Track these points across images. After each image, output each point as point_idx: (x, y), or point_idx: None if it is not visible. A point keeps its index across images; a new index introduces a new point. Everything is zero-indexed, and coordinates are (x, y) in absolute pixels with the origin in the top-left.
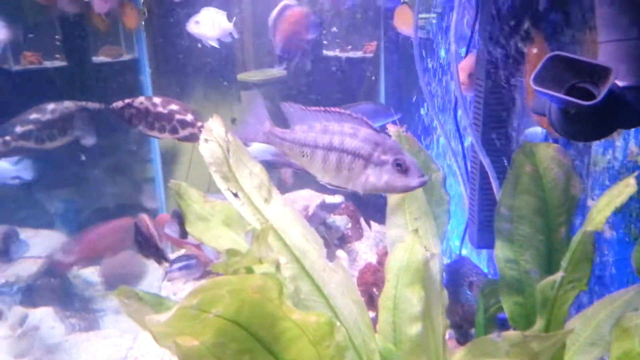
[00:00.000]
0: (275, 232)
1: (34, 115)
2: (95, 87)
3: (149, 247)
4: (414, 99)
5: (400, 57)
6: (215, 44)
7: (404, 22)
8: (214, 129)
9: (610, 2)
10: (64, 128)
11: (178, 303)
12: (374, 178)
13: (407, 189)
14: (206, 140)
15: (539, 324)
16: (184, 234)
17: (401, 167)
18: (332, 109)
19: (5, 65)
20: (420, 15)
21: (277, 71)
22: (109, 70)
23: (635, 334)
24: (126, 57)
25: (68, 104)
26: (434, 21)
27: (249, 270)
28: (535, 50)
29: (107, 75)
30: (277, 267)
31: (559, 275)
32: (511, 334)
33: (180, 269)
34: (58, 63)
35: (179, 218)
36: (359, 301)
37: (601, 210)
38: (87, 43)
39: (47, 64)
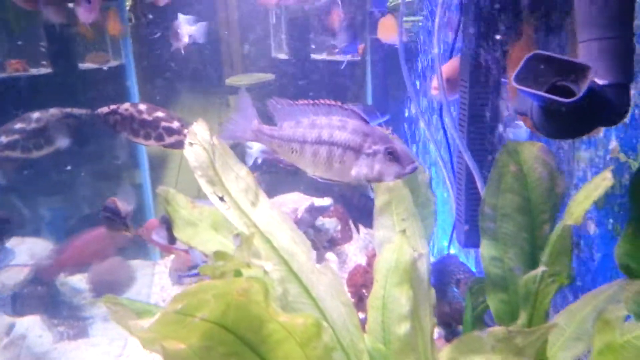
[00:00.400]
0: (263, 235)
1: (19, 125)
2: (81, 94)
3: (116, 219)
4: (400, 101)
5: (386, 59)
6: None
7: (388, 33)
8: (199, 132)
9: (589, 2)
10: (50, 136)
11: (163, 309)
12: (366, 169)
13: (400, 176)
14: (191, 144)
15: (522, 318)
16: (172, 239)
17: (392, 156)
18: (321, 101)
19: None
20: (406, 19)
21: (265, 75)
22: (96, 77)
23: (616, 326)
24: (113, 63)
25: (54, 112)
26: (420, 24)
27: (237, 273)
28: (520, 47)
29: (94, 82)
30: (265, 270)
31: (540, 270)
32: (496, 329)
33: (193, 275)
34: (44, 70)
35: (167, 224)
36: (348, 303)
37: (580, 203)
38: (74, 49)
39: (33, 71)
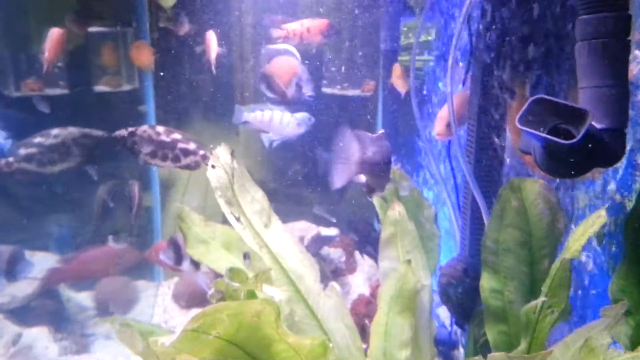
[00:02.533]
0: (273, 256)
1: (38, 139)
2: (96, 116)
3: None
4: (410, 136)
5: (396, 96)
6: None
7: (399, 83)
8: (221, 156)
9: (588, 53)
10: (65, 153)
11: (183, 326)
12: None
13: None
14: (213, 166)
15: (523, 345)
16: (179, 261)
17: None
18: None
19: (5, 92)
20: (418, 58)
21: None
22: (110, 100)
23: (600, 353)
24: (126, 87)
25: (72, 130)
26: (431, 64)
27: (250, 293)
28: (516, 104)
29: (109, 104)
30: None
31: (540, 300)
32: (497, 355)
33: None
34: (59, 91)
35: (175, 246)
36: (351, 326)
37: (577, 239)
38: (90, 72)
39: (49, 91)
